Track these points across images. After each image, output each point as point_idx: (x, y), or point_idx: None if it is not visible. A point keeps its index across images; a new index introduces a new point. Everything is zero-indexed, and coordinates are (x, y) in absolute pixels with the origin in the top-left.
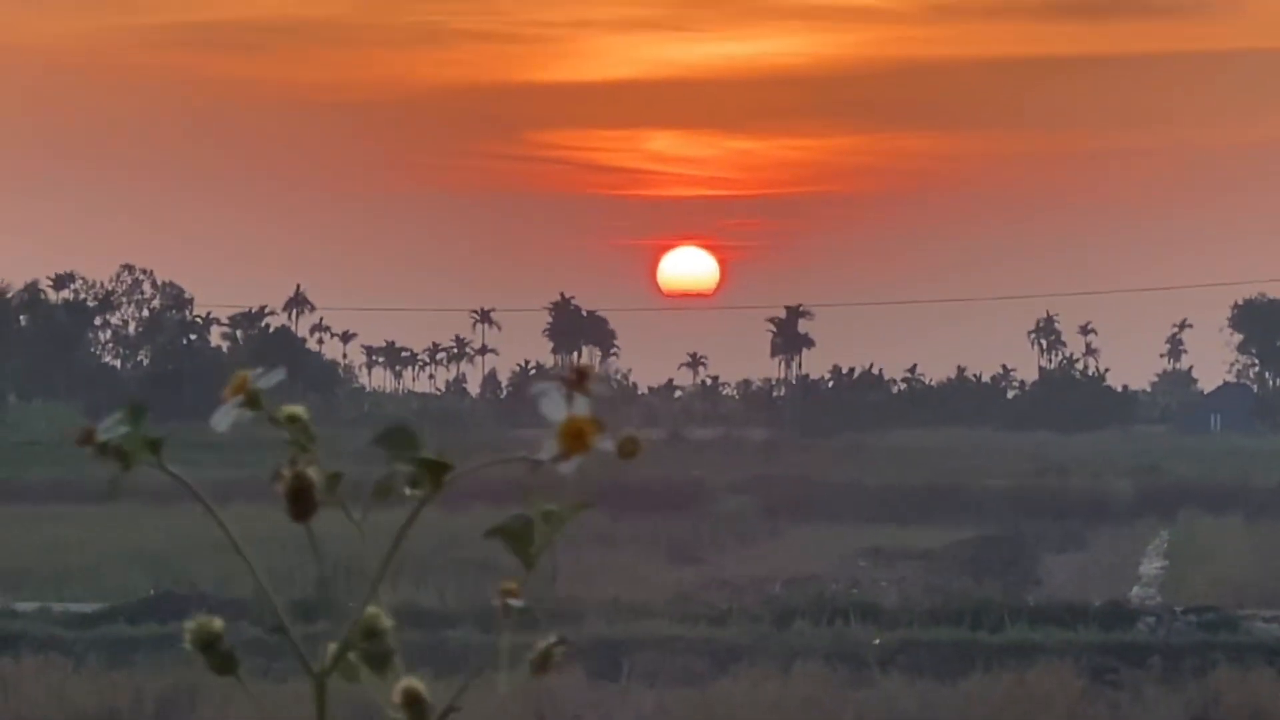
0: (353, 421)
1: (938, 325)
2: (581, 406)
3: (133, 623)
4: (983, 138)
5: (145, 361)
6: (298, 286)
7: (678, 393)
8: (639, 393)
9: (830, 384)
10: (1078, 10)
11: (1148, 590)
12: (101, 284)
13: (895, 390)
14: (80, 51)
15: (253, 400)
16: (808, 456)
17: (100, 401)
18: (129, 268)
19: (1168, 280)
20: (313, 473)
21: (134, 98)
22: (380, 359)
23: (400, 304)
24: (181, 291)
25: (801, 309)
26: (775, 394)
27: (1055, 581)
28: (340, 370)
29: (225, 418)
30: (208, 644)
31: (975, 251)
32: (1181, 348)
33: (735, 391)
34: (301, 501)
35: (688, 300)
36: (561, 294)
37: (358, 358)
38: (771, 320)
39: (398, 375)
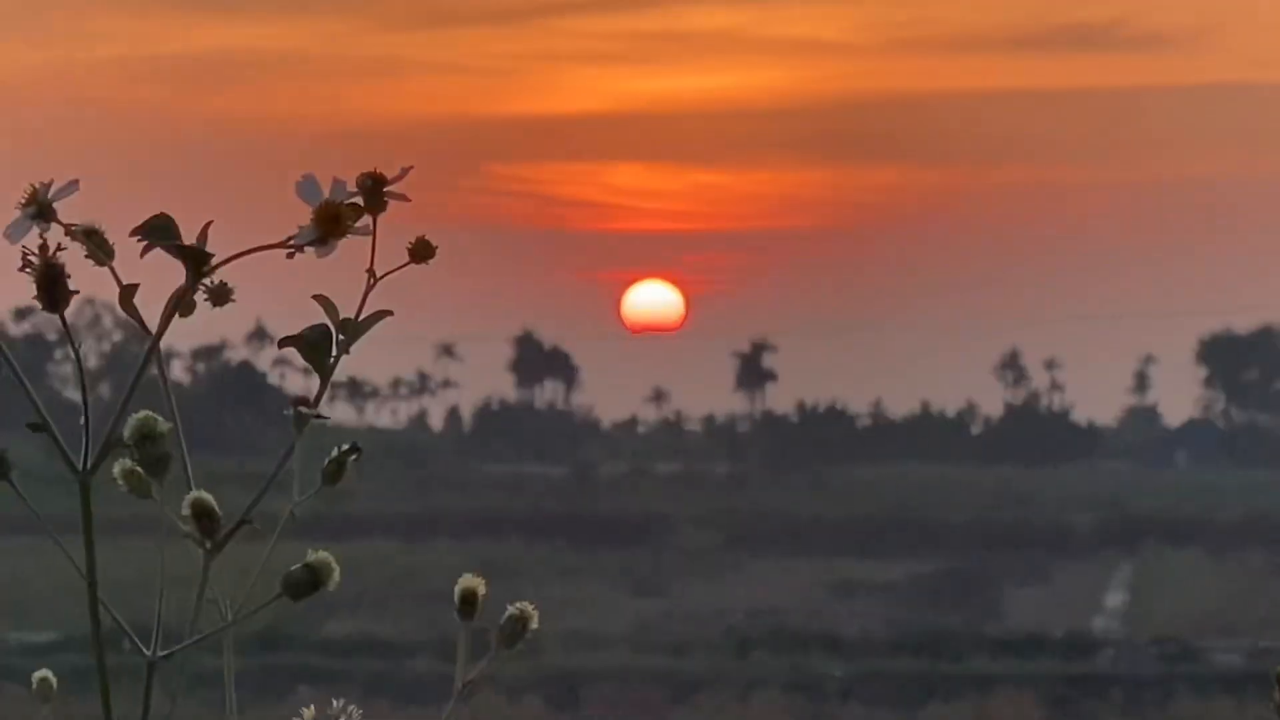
0: (315, 455)
1: (902, 359)
2: (340, 193)
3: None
4: (949, 171)
5: (106, 395)
6: (258, 320)
7: (641, 427)
8: (602, 427)
9: (795, 419)
10: (1045, 44)
11: (1110, 622)
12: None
13: (859, 425)
14: (42, 83)
15: (43, 210)
16: (771, 490)
17: (62, 435)
18: (90, 302)
19: (1135, 312)
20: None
21: (92, 130)
22: (341, 393)
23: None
24: (142, 325)
25: (765, 343)
26: (739, 428)
27: (1017, 613)
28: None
29: (17, 230)
30: None
31: (941, 284)
32: (1147, 383)
33: (699, 426)
34: (50, 289)
35: (651, 334)
36: (524, 328)
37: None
38: (735, 354)
39: (359, 410)
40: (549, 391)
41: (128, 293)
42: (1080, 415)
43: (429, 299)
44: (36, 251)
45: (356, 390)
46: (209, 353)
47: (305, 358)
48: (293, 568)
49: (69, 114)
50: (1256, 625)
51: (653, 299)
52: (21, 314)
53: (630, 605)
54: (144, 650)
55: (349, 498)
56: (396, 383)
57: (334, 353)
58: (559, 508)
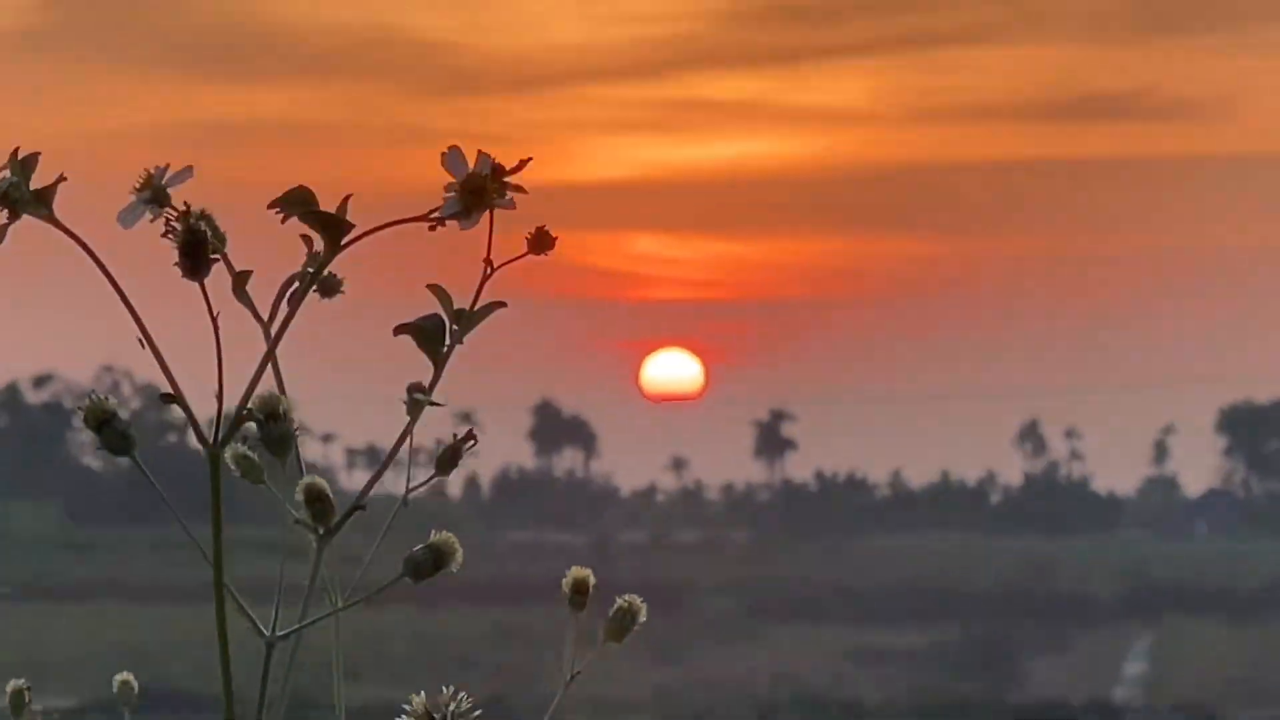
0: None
1: (922, 428)
2: (486, 166)
3: (107, 718)
4: (969, 240)
5: (125, 462)
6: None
7: (660, 495)
8: (621, 495)
9: (814, 488)
10: (1062, 114)
11: (1131, 691)
12: (80, 385)
13: (879, 494)
14: (63, 151)
15: (159, 195)
16: (791, 559)
17: (80, 502)
18: (109, 369)
19: (1154, 382)
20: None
21: (114, 197)
22: (360, 460)
23: (381, 403)
24: (161, 389)
25: (785, 411)
26: (759, 497)
27: (1038, 682)
28: (319, 472)
29: (131, 214)
30: (103, 422)
31: (960, 353)
32: (1166, 452)
33: (718, 494)
34: (194, 255)
35: (671, 403)
36: (543, 396)
37: (338, 459)
38: (755, 423)
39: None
40: (568, 459)
41: (240, 279)
42: (1100, 485)
43: (448, 366)
44: (178, 215)
45: (375, 457)
46: (227, 419)
47: (420, 346)
48: (415, 548)
49: (87, 181)
50: (1278, 695)
51: (672, 367)
52: (40, 381)
53: (650, 673)
54: (262, 630)
55: (366, 564)
56: (415, 450)
57: (448, 342)
58: None
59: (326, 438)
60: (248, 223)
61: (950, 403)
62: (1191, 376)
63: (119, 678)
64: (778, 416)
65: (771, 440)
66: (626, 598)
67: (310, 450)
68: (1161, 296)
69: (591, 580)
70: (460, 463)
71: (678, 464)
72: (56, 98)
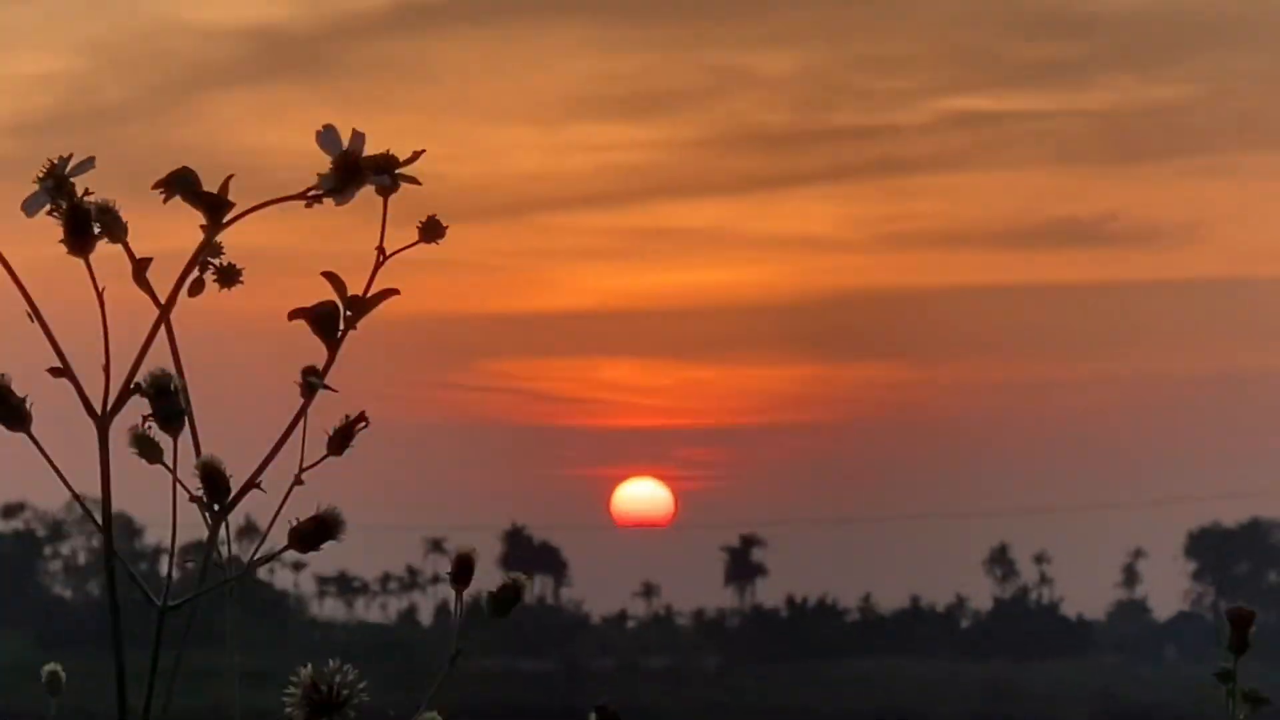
0: (304, 651)
1: (891, 553)
2: (360, 144)
3: None
4: (938, 366)
5: (96, 592)
6: (246, 516)
7: (631, 621)
8: (592, 621)
9: (785, 613)
10: (1034, 239)
11: None
12: (51, 514)
13: (849, 619)
14: (35, 280)
15: (60, 186)
16: (761, 685)
17: (51, 631)
18: (82, 498)
19: (1123, 506)
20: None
21: (85, 326)
22: (331, 589)
23: (350, 531)
24: (131, 521)
25: (755, 537)
26: (729, 623)
27: None
28: (291, 601)
29: (34, 203)
30: None
31: (929, 479)
32: (1136, 576)
33: (689, 620)
34: (78, 230)
35: (641, 529)
36: (513, 523)
37: (309, 587)
38: (725, 548)
39: (349, 605)
40: (539, 586)
41: (140, 266)
42: (1069, 609)
43: (419, 493)
44: (66, 194)
45: (346, 585)
46: (198, 548)
47: (314, 331)
48: (301, 520)
49: (64, 308)
50: None
51: (642, 495)
52: (10, 511)
53: None
54: (154, 600)
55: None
56: (386, 578)
57: (341, 328)
58: (549, 702)
59: (297, 566)
60: (219, 350)
61: (919, 528)
62: (1160, 500)
63: (46, 669)
64: (748, 542)
65: (742, 566)
66: (512, 575)
67: (282, 578)
68: (1129, 421)
69: (476, 555)
70: (351, 445)
71: (648, 590)
72: (22, 225)
